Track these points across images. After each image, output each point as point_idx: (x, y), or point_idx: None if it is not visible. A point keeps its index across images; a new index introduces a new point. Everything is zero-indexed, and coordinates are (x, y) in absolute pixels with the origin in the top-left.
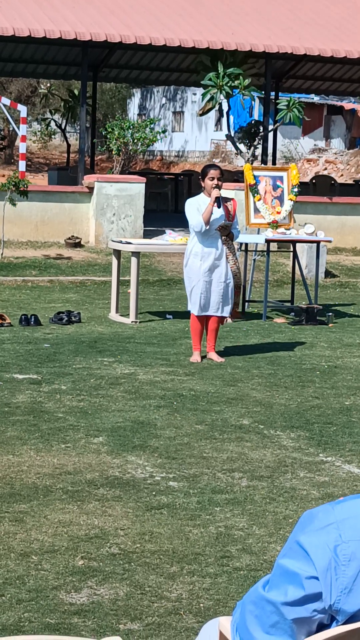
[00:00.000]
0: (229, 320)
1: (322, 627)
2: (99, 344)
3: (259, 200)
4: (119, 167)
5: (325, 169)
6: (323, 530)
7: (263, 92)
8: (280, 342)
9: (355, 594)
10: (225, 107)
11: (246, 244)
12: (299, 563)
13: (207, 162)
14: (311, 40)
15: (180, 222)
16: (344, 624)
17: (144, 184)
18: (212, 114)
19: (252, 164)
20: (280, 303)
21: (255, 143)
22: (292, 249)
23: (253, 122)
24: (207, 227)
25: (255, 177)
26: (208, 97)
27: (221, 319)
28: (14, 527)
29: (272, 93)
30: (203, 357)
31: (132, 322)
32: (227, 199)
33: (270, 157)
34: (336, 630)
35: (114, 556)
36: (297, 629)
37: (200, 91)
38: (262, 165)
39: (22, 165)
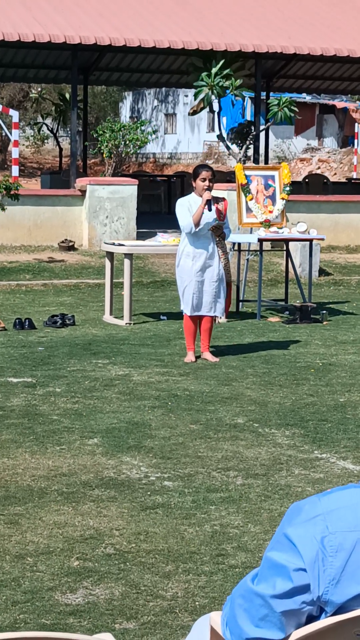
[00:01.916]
0: (223, 319)
1: (311, 618)
2: (93, 346)
3: (251, 199)
4: (111, 169)
5: (319, 167)
6: (310, 522)
7: (254, 92)
8: (275, 340)
9: (343, 585)
10: (216, 108)
11: (239, 244)
12: (286, 555)
13: (201, 163)
14: (301, 40)
15: (173, 223)
16: (332, 615)
17: (136, 186)
18: (205, 116)
19: (244, 164)
20: (274, 302)
21: (247, 143)
22: (285, 248)
23: (245, 122)
24: (197, 229)
25: (246, 176)
26: (202, 95)
27: (214, 319)
28: (9, 529)
29: (263, 93)
30: (197, 357)
31: (126, 323)
32: (218, 199)
33: (262, 157)
34: (325, 621)
35: (109, 556)
36: (286, 621)
37: (191, 92)
38: (254, 164)
39: (15, 170)
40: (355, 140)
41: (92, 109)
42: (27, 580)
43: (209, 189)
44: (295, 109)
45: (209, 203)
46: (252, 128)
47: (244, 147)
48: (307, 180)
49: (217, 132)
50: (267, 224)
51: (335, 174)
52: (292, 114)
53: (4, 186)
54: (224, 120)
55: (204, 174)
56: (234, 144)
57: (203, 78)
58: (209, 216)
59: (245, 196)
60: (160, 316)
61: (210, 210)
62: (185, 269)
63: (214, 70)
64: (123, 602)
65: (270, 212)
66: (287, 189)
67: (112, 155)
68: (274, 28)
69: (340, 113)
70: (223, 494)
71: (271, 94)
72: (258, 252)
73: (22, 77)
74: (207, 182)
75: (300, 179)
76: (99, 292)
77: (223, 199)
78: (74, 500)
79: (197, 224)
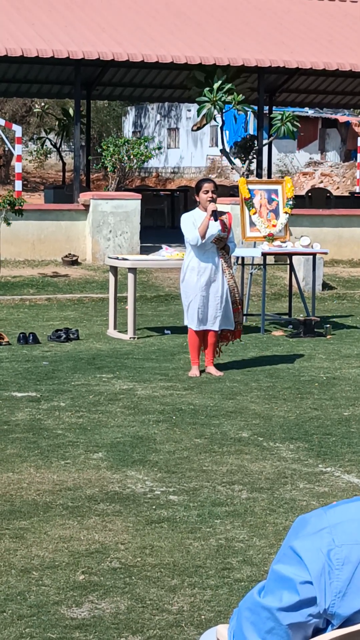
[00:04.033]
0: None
1: (317, 631)
2: (98, 360)
3: (255, 213)
4: (115, 184)
5: (321, 181)
6: (316, 535)
7: (257, 107)
8: (279, 354)
9: (350, 598)
10: (219, 122)
11: (243, 258)
12: (293, 568)
13: (203, 177)
14: (303, 54)
15: (176, 237)
16: (339, 627)
17: (139, 201)
18: (208, 130)
19: (247, 178)
20: (278, 316)
21: (250, 157)
22: (288, 262)
23: (248, 136)
24: (203, 241)
25: (249, 190)
26: (204, 111)
27: (227, 338)
28: (15, 543)
29: (266, 107)
30: (202, 372)
31: (130, 338)
32: (222, 213)
33: (265, 171)
34: (332, 634)
35: (114, 570)
36: (292, 634)
37: (194, 107)
38: (257, 179)
39: (18, 184)
40: (358, 154)
41: (95, 123)
42: (33, 594)
43: (213, 200)
44: (298, 124)
45: (214, 214)
46: (255, 142)
47: (247, 161)
48: (310, 194)
49: (220, 146)
50: (270, 238)
51: (338, 187)
52: (295, 129)
53: (8, 201)
54: (226, 134)
55: (207, 186)
56: (237, 158)
57: (205, 94)
58: (214, 227)
59: (249, 210)
60: (164, 330)
61: (216, 220)
62: (191, 283)
63: (215, 85)
64: (129, 616)
65: (274, 226)
66: (290, 203)
67: (116, 170)
68: (277, 43)
69: (343, 127)
70: (228, 507)
71: (274, 108)
72: (262, 266)
73: (26, 92)
74: (210, 194)
75: (303, 193)
76: (102, 307)
77: (227, 213)
78: (79, 514)
79: (203, 236)
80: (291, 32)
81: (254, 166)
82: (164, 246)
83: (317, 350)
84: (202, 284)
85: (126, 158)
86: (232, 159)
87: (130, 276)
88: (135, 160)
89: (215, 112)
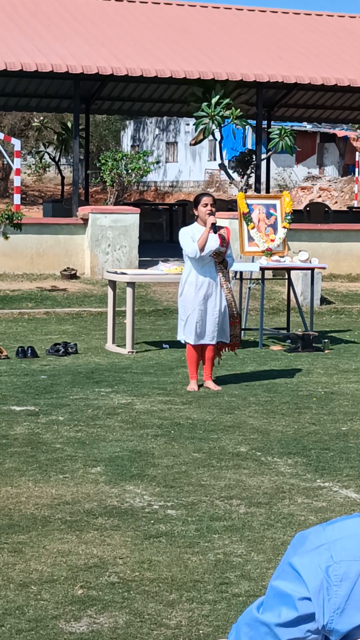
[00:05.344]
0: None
1: None
2: (96, 374)
3: (253, 228)
4: (113, 198)
5: (320, 196)
6: (314, 551)
7: (255, 121)
8: (277, 369)
9: (348, 614)
10: (218, 137)
11: (241, 272)
12: (291, 584)
13: (201, 191)
14: (302, 69)
15: (175, 252)
16: None
17: (138, 215)
18: (206, 144)
19: (245, 192)
20: (276, 330)
21: (249, 172)
22: (287, 277)
23: (246, 151)
24: (202, 254)
25: (248, 205)
26: (202, 126)
27: (220, 348)
28: (13, 557)
29: (265, 122)
30: (200, 386)
31: (128, 352)
32: (220, 227)
33: (263, 186)
34: None
35: (113, 585)
36: None
37: (192, 121)
38: (256, 193)
39: (17, 198)
40: (356, 169)
41: (94, 137)
42: (32, 608)
43: (212, 213)
44: (294, 140)
45: (213, 227)
46: (254, 157)
47: (246, 175)
48: (308, 208)
49: (218, 160)
50: (268, 252)
51: (336, 202)
52: (293, 144)
53: (6, 215)
54: (225, 148)
55: (205, 199)
56: (236, 173)
57: (203, 108)
58: (214, 241)
59: (247, 225)
60: (163, 345)
61: (215, 233)
62: (189, 298)
63: (214, 100)
64: (127, 630)
65: (272, 240)
66: (289, 217)
67: (115, 184)
68: (275, 57)
69: (341, 142)
70: (226, 522)
71: (272, 122)
72: (260, 281)
73: (25, 106)
74: (209, 207)
75: (301, 207)
76: (101, 321)
77: (225, 227)
78: (77, 528)
79: (202, 249)
80: (289, 47)
81: (252, 180)
82: (161, 262)
83: (315, 365)
84: (200, 298)
85: (125, 172)
86: (231, 173)
87: (129, 290)
88: (133, 175)
89: (214, 126)
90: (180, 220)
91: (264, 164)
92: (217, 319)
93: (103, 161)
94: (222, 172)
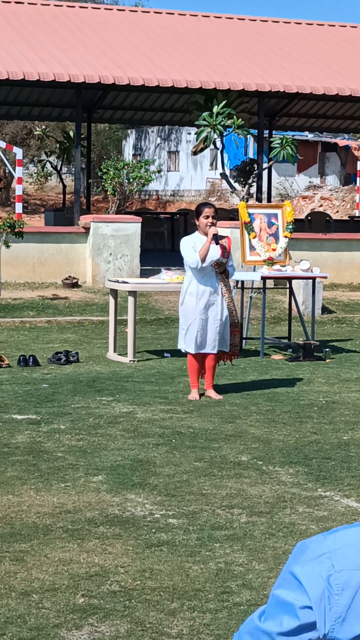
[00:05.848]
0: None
1: None
2: (98, 383)
3: (254, 237)
4: (115, 207)
5: (321, 205)
6: (316, 560)
7: (257, 130)
8: (278, 378)
9: (349, 623)
10: (219, 146)
11: (242, 282)
12: (293, 593)
13: (203, 201)
14: (303, 79)
15: (176, 260)
16: None
17: (139, 224)
18: (208, 153)
19: (247, 202)
20: (277, 340)
21: (250, 181)
22: (288, 286)
23: (248, 160)
24: (204, 265)
25: (249, 214)
26: (203, 135)
27: (220, 357)
28: (15, 566)
29: (266, 131)
30: (201, 395)
31: (130, 361)
32: (221, 237)
33: (265, 195)
34: None
35: (114, 593)
36: None
37: (194, 130)
38: (257, 203)
39: (18, 207)
40: (358, 178)
41: (95, 146)
42: (33, 617)
43: (213, 224)
44: (296, 150)
45: (215, 237)
46: (255, 166)
47: (247, 185)
48: (309, 218)
49: (220, 169)
50: (270, 261)
51: (337, 211)
52: (294, 154)
53: (8, 224)
54: (226, 157)
55: (207, 211)
56: (237, 182)
57: (205, 117)
58: (215, 251)
59: (249, 234)
60: (164, 353)
61: (217, 244)
62: (190, 307)
63: (215, 109)
64: (128, 639)
65: (274, 250)
66: (290, 227)
67: (116, 193)
68: (277, 67)
69: (343, 151)
70: (227, 531)
71: (274, 132)
72: (261, 290)
73: (27, 115)
74: (210, 219)
75: (302, 216)
76: (102, 329)
77: (226, 237)
78: (79, 537)
79: (203, 259)
80: (291, 57)
81: (253, 190)
82: (163, 269)
83: (317, 374)
84: (201, 308)
85: (126, 181)
86: (232, 182)
87: (130, 299)
88: (135, 184)
89: (215, 136)
90: (181, 229)
91: (265, 173)
92: (218, 328)
93: (105, 170)
94: (224, 181)
